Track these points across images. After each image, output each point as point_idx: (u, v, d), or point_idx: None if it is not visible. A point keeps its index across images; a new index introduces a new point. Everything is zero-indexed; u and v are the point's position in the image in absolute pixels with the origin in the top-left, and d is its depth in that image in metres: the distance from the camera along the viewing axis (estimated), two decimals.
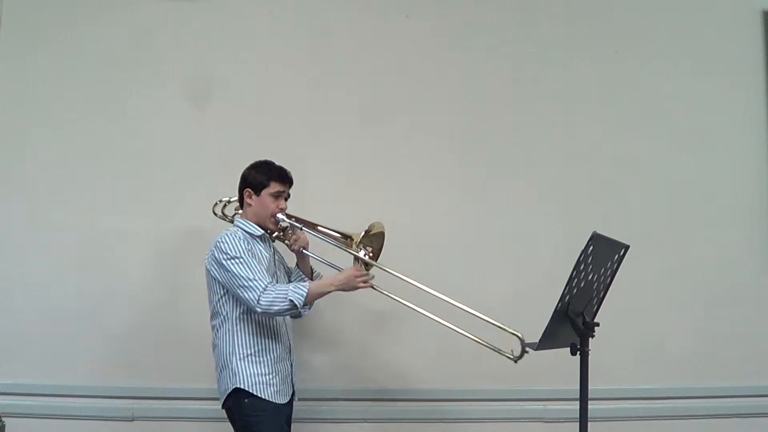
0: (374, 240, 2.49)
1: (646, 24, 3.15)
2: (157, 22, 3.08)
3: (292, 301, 2.27)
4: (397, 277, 2.41)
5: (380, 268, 2.45)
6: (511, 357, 2.23)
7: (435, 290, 2.37)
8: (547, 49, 3.13)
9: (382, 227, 2.50)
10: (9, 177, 3.02)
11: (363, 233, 2.46)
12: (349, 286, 2.37)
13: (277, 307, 2.28)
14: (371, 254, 2.48)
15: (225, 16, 3.10)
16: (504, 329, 2.23)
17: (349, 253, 2.46)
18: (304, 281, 2.52)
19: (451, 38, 3.12)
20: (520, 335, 2.19)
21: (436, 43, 3.12)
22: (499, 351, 2.27)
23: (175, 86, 3.06)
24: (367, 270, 2.47)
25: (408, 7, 3.13)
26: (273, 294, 2.27)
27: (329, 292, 2.38)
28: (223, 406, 2.43)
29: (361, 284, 2.37)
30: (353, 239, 2.48)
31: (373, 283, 2.41)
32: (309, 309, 2.48)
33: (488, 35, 3.13)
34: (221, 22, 3.09)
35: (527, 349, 2.18)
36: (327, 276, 2.52)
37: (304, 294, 2.29)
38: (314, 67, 3.08)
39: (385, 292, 2.45)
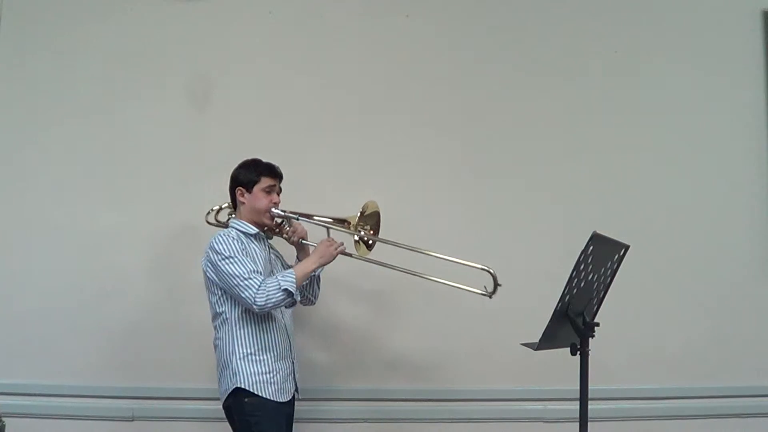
0: (369, 219, 2.52)
1: (646, 24, 3.15)
2: (157, 22, 3.08)
3: (286, 289, 2.29)
4: (399, 246, 2.46)
5: (383, 241, 2.49)
6: (485, 293, 2.36)
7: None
8: (546, 49, 3.13)
9: (377, 206, 2.54)
10: (9, 177, 3.02)
11: (358, 215, 2.49)
12: (327, 258, 2.43)
13: (274, 300, 2.29)
14: (371, 232, 2.50)
15: (225, 16, 3.10)
16: (474, 266, 2.37)
17: (350, 234, 2.48)
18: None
19: (451, 38, 3.12)
20: (491, 271, 2.34)
21: (436, 43, 3.12)
22: (471, 290, 2.40)
23: (174, 86, 3.06)
24: (370, 249, 2.51)
25: (408, 7, 3.13)
26: (266, 290, 2.28)
27: (314, 269, 2.43)
28: (222, 406, 2.43)
29: (337, 252, 2.43)
30: (350, 222, 2.50)
31: (344, 249, 2.47)
32: (300, 297, 2.47)
33: (488, 35, 3.13)
34: (221, 22, 3.09)
35: (500, 283, 2.34)
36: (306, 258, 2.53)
37: (293, 279, 2.32)
38: (314, 66, 3.09)
39: (356, 256, 2.50)
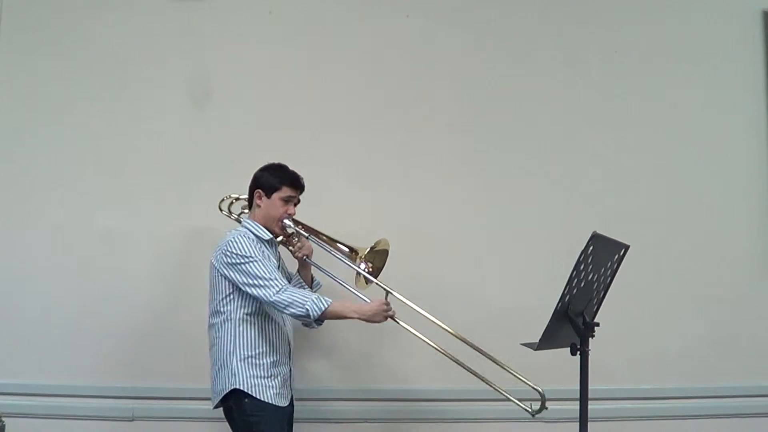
0: (378, 256, 2.51)
1: (646, 24, 3.15)
2: (157, 22, 3.08)
3: (308, 311, 2.28)
4: (402, 301, 2.43)
5: (381, 286, 2.45)
6: (530, 411, 2.31)
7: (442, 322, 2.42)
8: (547, 49, 3.13)
9: (388, 245, 2.52)
10: (9, 177, 3.01)
11: (368, 249, 2.47)
12: (375, 319, 2.37)
13: (291, 310, 2.29)
14: (371, 269, 2.48)
15: (225, 15, 3.10)
16: (525, 382, 2.29)
17: (351, 267, 2.47)
18: (326, 296, 2.47)
19: (451, 38, 3.12)
20: (540, 390, 2.26)
21: (436, 43, 3.12)
22: (517, 403, 2.33)
23: (175, 86, 3.05)
24: (367, 285, 2.47)
25: (408, 7, 3.13)
26: (293, 296, 2.29)
27: (350, 318, 2.37)
28: (220, 406, 2.42)
29: (384, 319, 2.38)
30: (358, 253, 2.49)
31: (395, 317, 2.42)
32: (319, 325, 2.46)
33: (488, 35, 3.13)
34: (221, 22, 3.09)
35: (547, 406, 2.26)
36: (353, 301, 2.45)
37: (323, 309, 2.29)
38: (314, 66, 3.08)
39: (405, 326, 2.44)
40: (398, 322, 2.43)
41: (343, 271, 2.58)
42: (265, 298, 2.30)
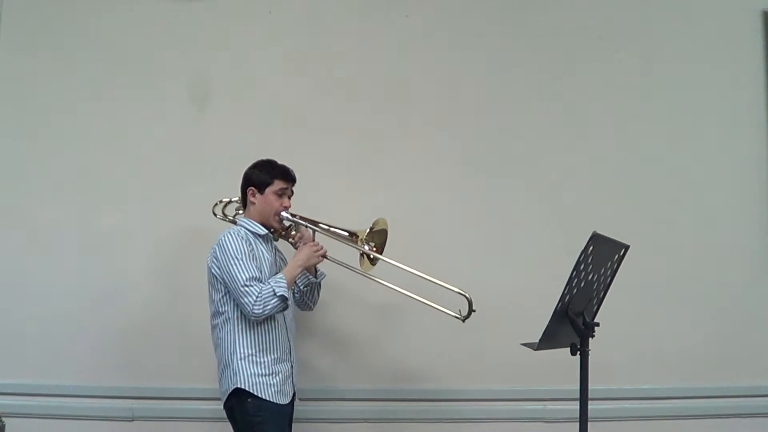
0: (377, 236, 2.52)
1: (646, 24, 3.15)
2: (157, 22, 3.08)
3: (281, 295, 2.31)
4: (399, 267, 2.45)
5: (386, 261, 2.49)
6: (459, 317, 2.36)
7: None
8: (547, 50, 3.13)
9: (386, 224, 2.53)
10: (9, 176, 3.01)
11: (368, 230, 2.49)
12: (312, 262, 2.48)
13: (270, 307, 2.30)
14: (374, 249, 2.51)
15: (225, 15, 3.10)
16: (451, 289, 2.38)
17: (356, 248, 2.48)
18: (317, 279, 2.61)
19: (451, 38, 3.12)
20: (467, 295, 2.35)
21: (436, 43, 3.12)
22: (445, 312, 2.40)
23: (174, 86, 3.06)
24: (373, 264, 2.51)
25: (408, 7, 3.13)
26: (261, 299, 2.29)
27: (299, 272, 2.47)
28: (224, 406, 2.43)
29: (320, 257, 2.47)
30: (358, 236, 2.50)
31: (328, 255, 2.50)
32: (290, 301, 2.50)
33: (488, 35, 3.13)
34: (221, 22, 3.09)
35: (474, 309, 2.34)
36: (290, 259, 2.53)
37: (284, 283, 2.34)
38: (314, 66, 3.08)
39: (338, 261, 2.52)
40: (330, 259, 2.50)
41: (345, 256, 2.58)
42: (247, 314, 2.32)
